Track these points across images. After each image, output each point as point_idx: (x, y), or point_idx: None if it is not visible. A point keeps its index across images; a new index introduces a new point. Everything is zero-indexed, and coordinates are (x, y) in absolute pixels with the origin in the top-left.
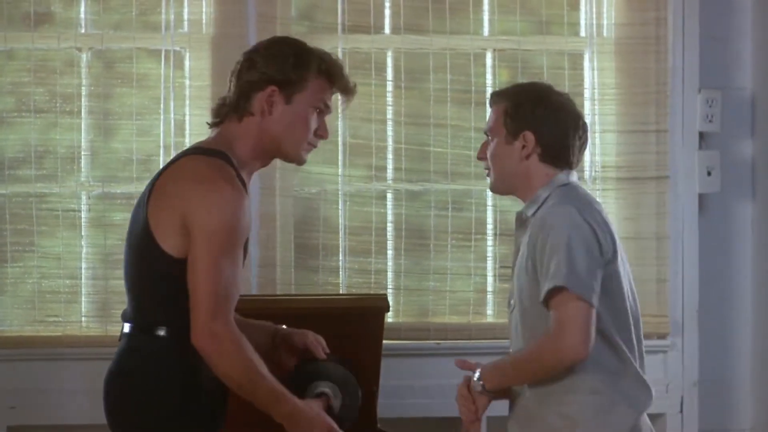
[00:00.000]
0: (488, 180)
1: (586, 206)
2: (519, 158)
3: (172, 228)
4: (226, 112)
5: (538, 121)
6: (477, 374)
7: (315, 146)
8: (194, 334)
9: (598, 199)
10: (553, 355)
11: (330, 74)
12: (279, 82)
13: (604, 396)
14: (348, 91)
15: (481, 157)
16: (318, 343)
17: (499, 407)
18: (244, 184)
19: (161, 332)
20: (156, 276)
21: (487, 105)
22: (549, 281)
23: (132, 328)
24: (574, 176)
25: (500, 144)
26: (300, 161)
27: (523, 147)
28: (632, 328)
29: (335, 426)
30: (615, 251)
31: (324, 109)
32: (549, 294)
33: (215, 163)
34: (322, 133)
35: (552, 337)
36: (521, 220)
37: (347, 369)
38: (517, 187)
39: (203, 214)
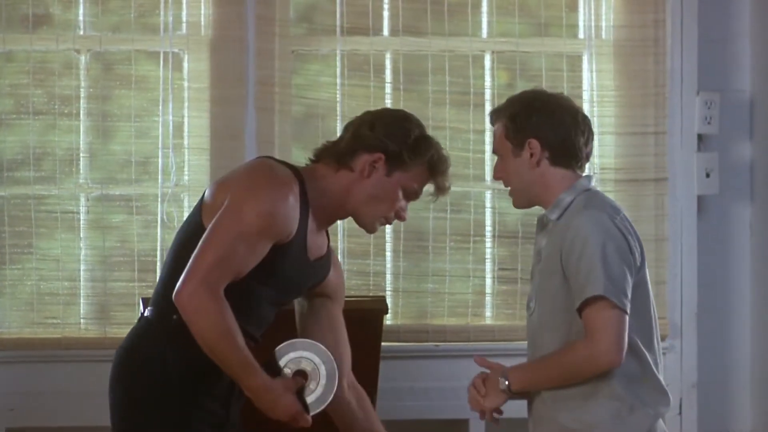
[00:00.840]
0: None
1: (615, 213)
2: (530, 167)
3: (218, 207)
4: (327, 156)
5: (538, 126)
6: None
7: (389, 223)
8: (177, 289)
9: None
10: (587, 361)
11: (435, 168)
12: (390, 153)
13: (623, 401)
14: (443, 190)
15: (497, 177)
16: None
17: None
18: (306, 205)
19: (174, 316)
20: (187, 250)
21: (486, 107)
22: (586, 290)
23: (148, 311)
24: (593, 182)
25: (509, 159)
26: (370, 231)
27: (531, 155)
28: (654, 332)
29: (301, 410)
30: (643, 258)
31: (413, 195)
32: (585, 302)
33: (286, 171)
34: (401, 215)
35: (586, 344)
36: (543, 224)
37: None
38: (538, 195)
39: (246, 194)
